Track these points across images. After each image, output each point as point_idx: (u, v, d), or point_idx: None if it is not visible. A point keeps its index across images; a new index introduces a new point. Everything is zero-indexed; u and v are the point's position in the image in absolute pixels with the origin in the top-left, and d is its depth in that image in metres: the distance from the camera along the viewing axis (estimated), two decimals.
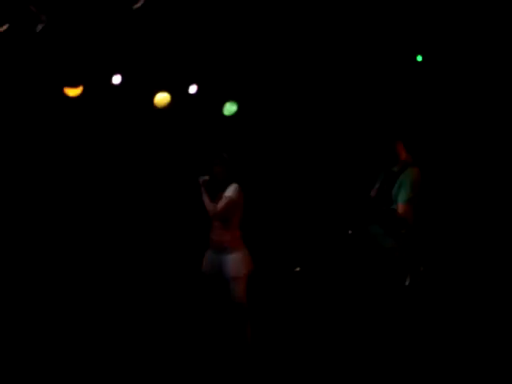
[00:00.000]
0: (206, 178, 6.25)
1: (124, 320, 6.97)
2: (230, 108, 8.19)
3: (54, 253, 7.51)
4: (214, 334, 6.26)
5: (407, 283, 5.49)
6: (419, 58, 7.15)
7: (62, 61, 6.77)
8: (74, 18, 5.61)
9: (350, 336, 5.69)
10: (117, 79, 7.33)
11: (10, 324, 6.53)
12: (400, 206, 5.28)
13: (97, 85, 7.30)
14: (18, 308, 6.82)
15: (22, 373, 5.72)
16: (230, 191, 6.20)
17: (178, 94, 7.81)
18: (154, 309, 7.29)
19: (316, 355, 6.19)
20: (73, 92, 7.12)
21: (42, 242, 7.46)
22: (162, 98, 7.72)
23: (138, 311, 7.19)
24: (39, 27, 4.72)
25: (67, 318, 6.90)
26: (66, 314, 6.96)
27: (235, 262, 6.18)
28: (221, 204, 6.20)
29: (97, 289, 7.51)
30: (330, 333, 6.33)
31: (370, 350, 5.44)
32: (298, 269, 7.39)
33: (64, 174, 7.72)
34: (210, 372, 5.90)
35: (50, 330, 6.61)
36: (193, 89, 7.82)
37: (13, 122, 7.29)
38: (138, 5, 5.47)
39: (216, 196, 6.30)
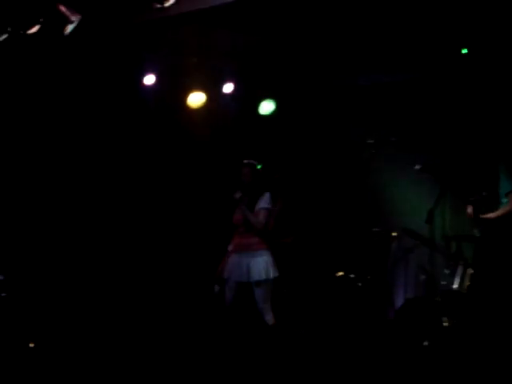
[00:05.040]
0: (240, 194, 6.35)
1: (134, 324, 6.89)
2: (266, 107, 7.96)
3: (58, 254, 7.28)
4: (236, 337, 6.33)
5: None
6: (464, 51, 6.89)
7: None
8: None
9: None
10: (150, 79, 7.15)
11: (13, 325, 6.43)
12: None
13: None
14: (20, 309, 6.66)
15: (23, 373, 5.69)
16: (265, 202, 6.37)
17: (213, 93, 7.58)
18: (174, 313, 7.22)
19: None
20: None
21: (53, 243, 7.26)
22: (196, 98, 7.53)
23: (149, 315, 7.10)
24: (69, 29, 4.55)
25: (71, 319, 6.84)
26: (70, 316, 6.89)
27: (264, 265, 6.26)
28: (261, 217, 6.36)
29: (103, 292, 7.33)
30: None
31: None
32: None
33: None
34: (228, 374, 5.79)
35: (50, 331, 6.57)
36: (228, 88, 7.60)
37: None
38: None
39: (251, 206, 6.38)
